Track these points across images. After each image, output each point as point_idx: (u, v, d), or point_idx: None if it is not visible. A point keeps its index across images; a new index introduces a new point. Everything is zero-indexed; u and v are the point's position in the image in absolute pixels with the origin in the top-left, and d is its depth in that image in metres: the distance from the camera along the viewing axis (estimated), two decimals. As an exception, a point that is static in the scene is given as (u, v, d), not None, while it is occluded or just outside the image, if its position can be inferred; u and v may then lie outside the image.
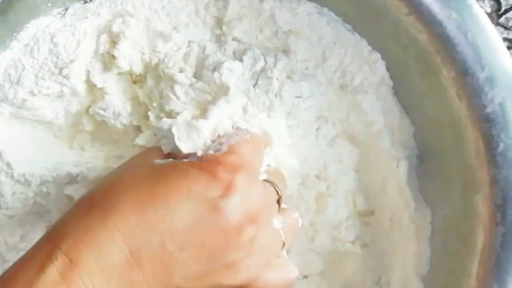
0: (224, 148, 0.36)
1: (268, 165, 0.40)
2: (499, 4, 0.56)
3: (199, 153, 0.37)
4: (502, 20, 0.56)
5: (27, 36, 0.44)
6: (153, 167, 0.36)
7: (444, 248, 0.44)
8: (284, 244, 0.39)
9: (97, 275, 0.32)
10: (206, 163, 0.35)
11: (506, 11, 0.56)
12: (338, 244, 0.48)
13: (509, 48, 0.47)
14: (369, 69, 0.46)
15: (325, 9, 0.46)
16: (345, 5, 0.45)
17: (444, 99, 0.42)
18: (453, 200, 0.44)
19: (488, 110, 0.39)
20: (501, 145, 0.39)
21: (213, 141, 0.38)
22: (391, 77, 0.46)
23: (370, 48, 0.45)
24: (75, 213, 0.35)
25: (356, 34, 0.45)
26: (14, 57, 0.45)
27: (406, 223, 0.47)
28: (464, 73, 0.39)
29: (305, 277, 0.48)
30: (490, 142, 0.39)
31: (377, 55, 0.46)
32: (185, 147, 0.37)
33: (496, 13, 0.56)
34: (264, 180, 0.38)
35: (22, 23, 0.44)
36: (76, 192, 0.44)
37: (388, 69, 0.46)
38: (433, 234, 0.46)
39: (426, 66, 0.42)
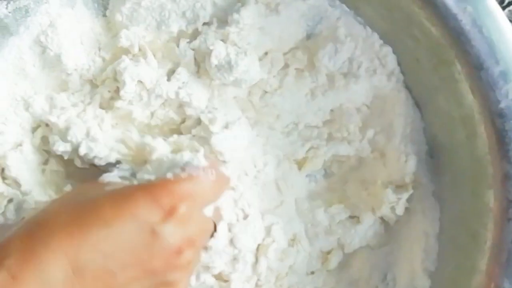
0: (183, 175, 0.37)
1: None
2: (503, -4, 0.56)
3: (152, 177, 0.37)
4: (505, 12, 0.56)
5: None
6: (101, 192, 0.37)
7: (453, 244, 0.44)
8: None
9: None
10: (152, 187, 0.36)
11: (510, 3, 0.56)
12: (345, 239, 0.47)
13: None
14: (380, 63, 0.45)
15: (337, 2, 0.45)
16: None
17: (457, 93, 0.41)
18: (463, 196, 0.43)
19: (502, 105, 0.39)
20: (515, 140, 0.39)
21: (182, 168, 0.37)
22: (402, 71, 0.46)
23: (381, 42, 0.45)
24: (20, 232, 0.35)
25: (368, 28, 0.45)
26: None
27: (414, 219, 0.47)
28: (478, 68, 0.39)
29: (312, 273, 0.48)
30: (503, 138, 0.39)
31: (388, 49, 0.45)
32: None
33: (500, 6, 0.56)
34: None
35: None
36: None
37: (399, 63, 0.45)
38: (442, 230, 0.45)
39: (438, 60, 0.42)
